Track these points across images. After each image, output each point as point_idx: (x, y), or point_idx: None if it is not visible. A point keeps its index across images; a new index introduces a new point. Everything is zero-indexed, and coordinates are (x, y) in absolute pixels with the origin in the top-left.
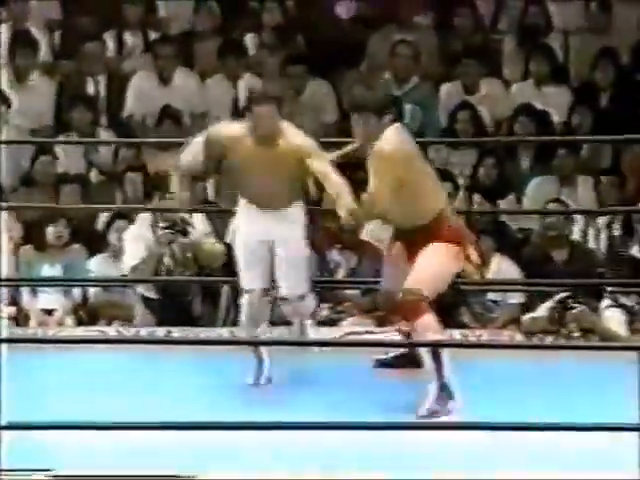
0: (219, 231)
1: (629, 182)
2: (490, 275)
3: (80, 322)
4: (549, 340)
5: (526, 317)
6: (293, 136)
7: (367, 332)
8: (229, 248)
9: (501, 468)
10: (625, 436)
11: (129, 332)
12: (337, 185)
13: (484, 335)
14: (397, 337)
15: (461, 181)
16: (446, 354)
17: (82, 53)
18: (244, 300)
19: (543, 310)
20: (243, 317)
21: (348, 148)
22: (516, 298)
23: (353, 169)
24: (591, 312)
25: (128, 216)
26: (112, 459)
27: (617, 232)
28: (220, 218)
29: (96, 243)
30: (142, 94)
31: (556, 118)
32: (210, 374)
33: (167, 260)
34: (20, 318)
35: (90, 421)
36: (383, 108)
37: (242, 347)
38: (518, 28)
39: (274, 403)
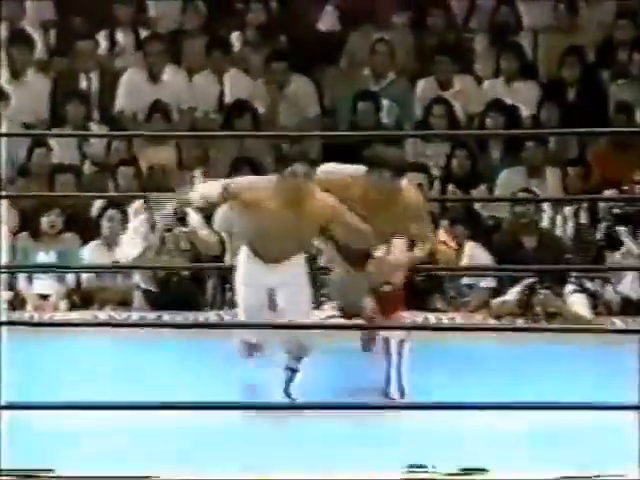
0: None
1: (594, 172)
2: (463, 261)
3: (73, 306)
4: (519, 323)
5: (496, 301)
6: (322, 198)
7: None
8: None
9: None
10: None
11: (120, 316)
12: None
13: (457, 318)
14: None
15: (435, 172)
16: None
17: (75, 51)
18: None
19: (512, 294)
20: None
21: None
22: (487, 283)
23: None
24: (557, 297)
25: (120, 205)
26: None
27: (583, 220)
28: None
29: (89, 231)
30: (133, 90)
31: (525, 112)
32: (200, 356)
33: (167, 246)
34: (16, 303)
35: (87, 401)
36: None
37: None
38: (489, 27)
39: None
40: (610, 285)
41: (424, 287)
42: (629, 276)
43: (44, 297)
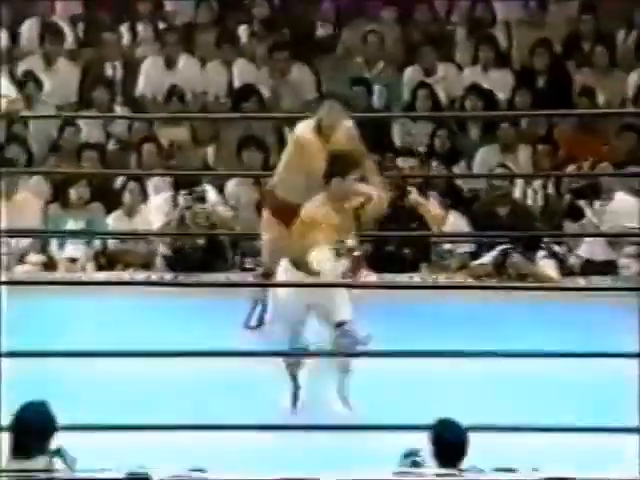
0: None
1: (560, 150)
2: (445, 228)
3: (100, 268)
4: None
5: (474, 263)
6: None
7: None
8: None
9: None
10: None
11: (140, 276)
12: None
13: (439, 279)
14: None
15: (421, 149)
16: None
17: (101, 42)
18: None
19: (488, 258)
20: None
21: None
22: (466, 248)
23: None
24: (528, 260)
25: (140, 179)
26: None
27: (550, 192)
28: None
29: (112, 202)
30: (152, 76)
31: (500, 96)
32: (214, 315)
33: (186, 222)
34: (50, 265)
35: (92, 350)
36: None
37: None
38: (468, 21)
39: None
40: (573, 250)
41: (414, 257)
42: (587, 242)
43: (73, 260)
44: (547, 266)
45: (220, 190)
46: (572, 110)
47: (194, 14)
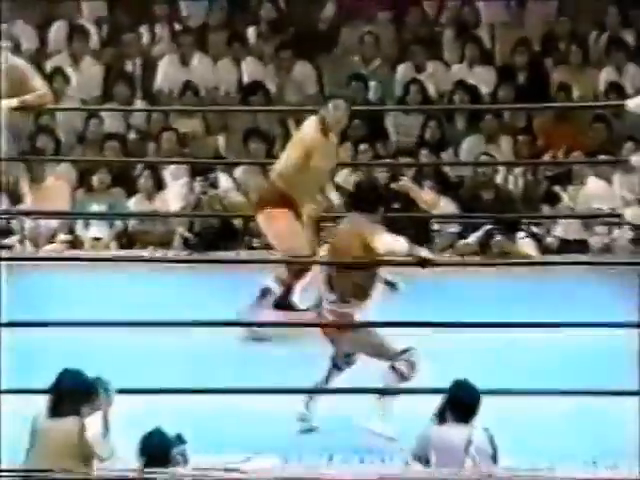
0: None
1: (539, 140)
2: (434, 211)
3: (121, 246)
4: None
5: (460, 243)
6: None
7: None
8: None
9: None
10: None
11: (159, 254)
12: None
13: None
14: None
15: (412, 139)
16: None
17: (123, 41)
18: None
19: (473, 238)
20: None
21: None
22: (453, 228)
23: None
24: (509, 240)
25: (156, 167)
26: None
27: (529, 178)
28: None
29: (132, 187)
30: (168, 72)
31: (485, 91)
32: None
33: (201, 206)
34: (77, 243)
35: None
36: None
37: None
38: (455, 22)
39: None
40: (550, 231)
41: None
42: (562, 223)
43: (97, 239)
44: (527, 245)
45: (230, 175)
46: (550, 103)
47: (207, 17)
